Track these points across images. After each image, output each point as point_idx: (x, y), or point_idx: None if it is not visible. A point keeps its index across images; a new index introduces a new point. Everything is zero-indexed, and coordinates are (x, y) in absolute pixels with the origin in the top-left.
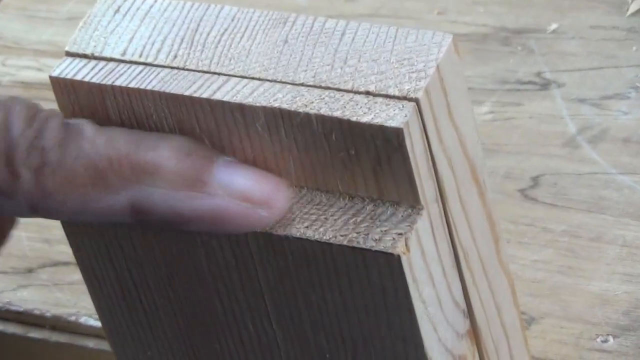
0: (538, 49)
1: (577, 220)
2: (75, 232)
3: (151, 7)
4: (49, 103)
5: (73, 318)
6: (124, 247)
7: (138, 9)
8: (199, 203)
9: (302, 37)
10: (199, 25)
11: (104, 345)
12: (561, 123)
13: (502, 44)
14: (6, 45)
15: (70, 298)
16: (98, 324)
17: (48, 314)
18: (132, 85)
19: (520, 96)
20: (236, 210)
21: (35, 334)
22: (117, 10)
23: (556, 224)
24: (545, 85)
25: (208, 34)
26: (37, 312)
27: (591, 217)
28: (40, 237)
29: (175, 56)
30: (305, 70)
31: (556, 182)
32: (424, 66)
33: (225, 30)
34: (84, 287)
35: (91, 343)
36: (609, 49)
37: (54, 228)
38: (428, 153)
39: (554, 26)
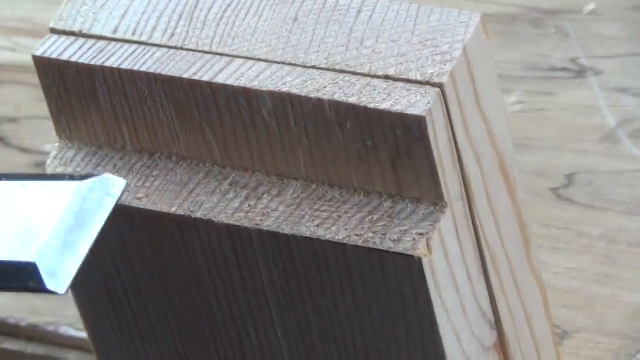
0: (573, 32)
1: (616, 223)
2: None
3: None
4: (25, 87)
5: (52, 328)
6: (111, 245)
7: None
8: None
9: (314, 14)
10: (198, 0)
11: (87, 359)
12: (599, 115)
13: (533, 26)
14: None
15: (49, 305)
16: (80, 334)
17: (24, 323)
18: (124, 66)
19: (553, 85)
20: None
21: (9, 344)
22: None
23: (592, 227)
24: (581, 73)
25: (209, 10)
26: (11, 320)
27: (631, 220)
28: None
29: (173, 34)
30: (318, 52)
31: (592, 180)
32: (450, 48)
33: (229, 6)
34: None
35: (72, 356)
36: None
37: None
38: (453, 145)
39: (591, 6)
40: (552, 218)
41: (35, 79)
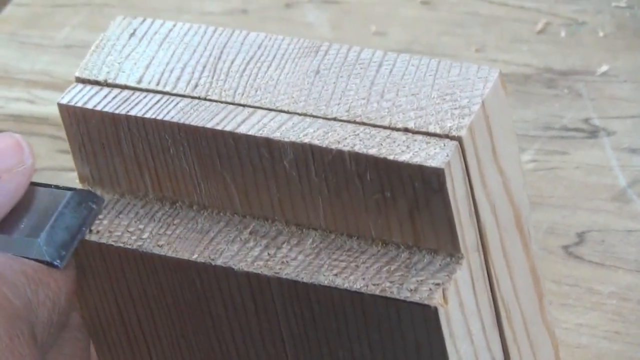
0: (586, 92)
1: (626, 281)
2: (80, 273)
3: (170, 31)
4: (43, 139)
5: None
6: (132, 292)
7: (156, 32)
8: None
9: (336, 67)
10: (222, 52)
11: None
12: (610, 175)
13: (546, 86)
14: None
15: None
16: None
17: None
18: (148, 115)
19: (565, 144)
20: None
21: None
22: (133, 34)
23: (603, 285)
24: (593, 133)
25: (232, 62)
26: None
27: None
28: None
29: (196, 85)
30: (339, 104)
31: (604, 239)
32: (468, 102)
33: (251, 58)
34: None
35: None
36: None
37: None
38: (470, 197)
39: (604, 68)
40: (564, 275)
41: (52, 130)
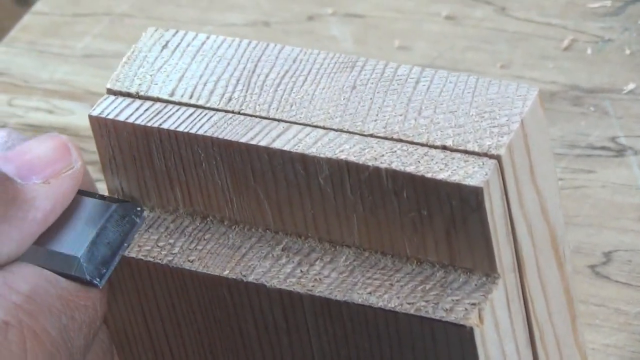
0: (613, 110)
1: None
2: (108, 287)
3: (203, 43)
4: None
5: None
6: (160, 307)
7: (189, 45)
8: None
9: (372, 83)
10: (256, 65)
11: None
12: (638, 194)
13: (572, 104)
14: (14, 83)
15: None
16: None
17: None
18: (181, 129)
19: (592, 162)
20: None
21: None
22: (165, 46)
23: (630, 305)
24: (620, 152)
25: (267, 76)
26: None
27: None
28: None
29: (230, 99)
30: (375, 120)
31: (631, 259)
32: (507, 120)
33: (286, 72)
34: None
35: None
36: None
37: None
38: (507, 216)
39: (631, 86)
40: (590, 295)
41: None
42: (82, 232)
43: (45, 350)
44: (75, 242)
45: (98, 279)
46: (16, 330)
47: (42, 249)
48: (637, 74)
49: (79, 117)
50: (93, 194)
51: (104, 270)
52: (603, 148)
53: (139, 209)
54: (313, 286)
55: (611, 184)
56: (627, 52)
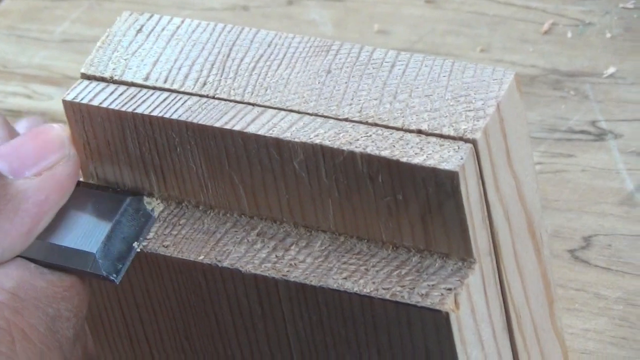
0: (593, 94)
1: (634, 286)
2: None
3: (178, 27)
4: None
5: None
6: (135, 293)
7: (163, 29)
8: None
9: (347, 67)
10: (231, 50)
11: None
12: (617, 178)
13: (552, 88)
14: None
15: None
16: None
17: None
18: (155, 113)
19: (571, 147)
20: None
21: None
22: (140, 30)
23: (610, 290)
24: (600, 136)
25: (241, 60)
26: None
27: None
28: None
29: (205, 83)
30: (350, 104)
31: (610, 243)
32: (483, 104)
33: (261, 56)
34: None
35: None
36: None
37: None
38: (483, 201)
39: (611, 70)
40: (569, 280)
41: None
42: (95, 227)
43: (35, 349)
44: (89, 238)
45: (115, 275)
46: (4, 331)
47: (54, 246)
48: (617, 58)
49: (57, 102)
50: (105, 188)
51: (120, 266)
52: (583, 132)
53: (153, 202)
54: (288, 271)
55: (591, 168)
56: (608, 35)
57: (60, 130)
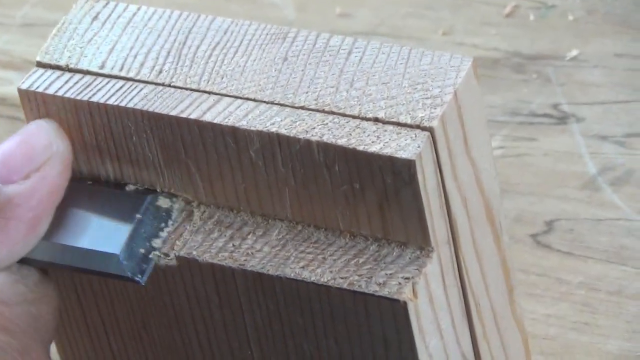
0: (555, 77)
1: (596, 271)
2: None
3: (134, 15)
4: (1, 120)
5: None
6: (93, 283)
7: (119, 16)
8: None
9: (304, 55)
10: (187, 37)
11: None
12: (580, 162)
13: (514, 71)
14: None
15: None
16: None
17: None
18: (111, 102)
19: (534, 130)
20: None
21: None
22: (96, 17)
23: (572, 274)
24: (562, 119)
25: (197, 48)
26: None
27: (611, 268)
28: None
29: (161, 71)
30: (307, 92)
31: (573, 228)
32: (440, 92)
33: (217, 44)
34: None
35: None
36: (637, 80)
37: None
38: (441, 189)
39: (574, 53)
40: (531, 264)
41: (11, 111)
42: (116, 227)
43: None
44: (111, 239)
45: (140, 276)
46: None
47: (74, 249)
48: (580, 41)
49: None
50: (121, 185)
51: (145, 266)
52: (545, 115)
53: (173, 199)
54: (245, 260)
55: (553, 152)
56: (570, 18)
57: (45, 127)
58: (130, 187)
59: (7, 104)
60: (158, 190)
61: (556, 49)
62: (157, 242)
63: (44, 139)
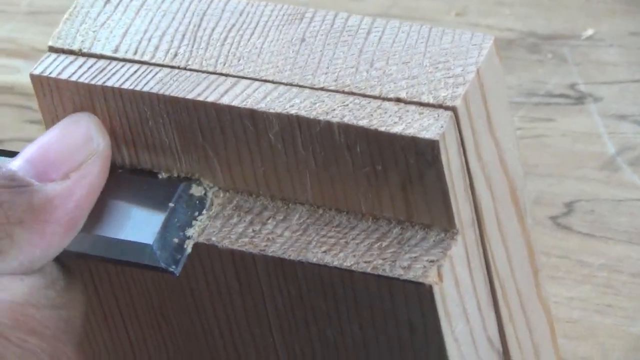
0: (571, 57)
1: (617, 252)
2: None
3: None
4: (9, 109)
5: None
6: (109, 269)
7: None
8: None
9: (322, 35)
10: (202, 19)
11: None
12: (598, 142)
13: (530, 51)
14: None
15: None
16: None
17: None
18: (125, 86)
19: (551, 111)
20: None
21: None
22: (108, 1)
23: (593, 256)
24: (579, 99)
25: (213, 30)
26: None
27: (633, 249)
28: None
29: (176, 54)
30: (326, 73)
31: (593, 209)
32: (462, 71)
33: (233, 25)
34: None
35: None
36: None
37: None
38: (465, 170)
39: (589, 32)
40: (552, 247)
41: (20, 100)
42: (148, 216)
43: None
44: (144, 228)
45: (174, 266)
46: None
47: (105, 239)
48: (594, 20)
49: (25, 76)
50: (154, 174)
51: (179, 256)
52: (562, 96)
53: (207, 186)
54: (266, 246)
55: (571, 133)
56: None
57: (86, 121)
58: (162, 175)
59: (16, 93)
60: (175, 174)
61: (571, 28)
62: (190, 232)
63: (84, 135)
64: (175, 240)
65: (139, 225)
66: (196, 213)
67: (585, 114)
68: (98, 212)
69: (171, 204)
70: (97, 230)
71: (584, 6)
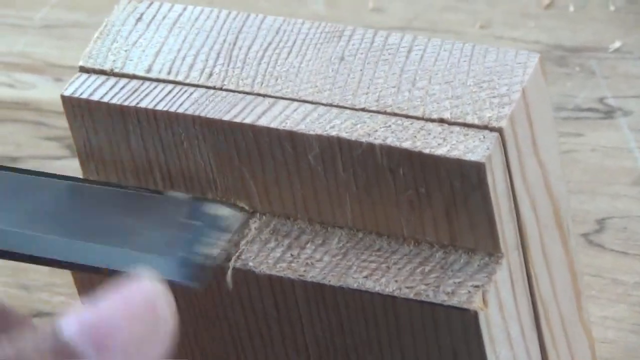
0: (599, 70)
1: None
2: (85, 281)
3: (180, 15)
4: (24, 125)
5: None
6: None
7: (164, 17)
8: None
9: (362, 53)
10: (237, 37)
11: None
12: (630, 157)
13: (557, 64)
14: None
15: None
16: None
17: None
18: (159, 107)
19: (580, 125)
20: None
21: None
22: (140, 19)
23: (628, 275)
24: (609, 113)
25: (249, 49)
26: None
27: None
28: (16, 282)
29: (211, 74)
30: (367, 93)
31: (626, 226)
32: (508, 90)
33: (269, 44)
34: None
35: None
36: None
37: (32, 271)
38: (510, 192)
39: (617, 44)
40: (584, 265)
41: (34, 116)
42: (175, 233)
43: None
44: (170, 244)
45: (194, 282)
46: None
47: (134, 254)
48: (622, 31)
49: (40, 91)
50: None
51: (200, 273)
52: (591, 110)
53: (233, 205)
54: (305, 271)
55: (601, 148)
56: (612, 8)
57: (156, 295)
58: (185, 195)
59: (31, 109)
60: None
61: (598, 40)
62: (213, 250)
63: (155, 317)
64: (198, 257)
65: (159, 241)
66: (219, 232)
67: (614, 128)
68: (122, 228)
69: (194, 222)
70: (119, 246)
71: (610, 18)
